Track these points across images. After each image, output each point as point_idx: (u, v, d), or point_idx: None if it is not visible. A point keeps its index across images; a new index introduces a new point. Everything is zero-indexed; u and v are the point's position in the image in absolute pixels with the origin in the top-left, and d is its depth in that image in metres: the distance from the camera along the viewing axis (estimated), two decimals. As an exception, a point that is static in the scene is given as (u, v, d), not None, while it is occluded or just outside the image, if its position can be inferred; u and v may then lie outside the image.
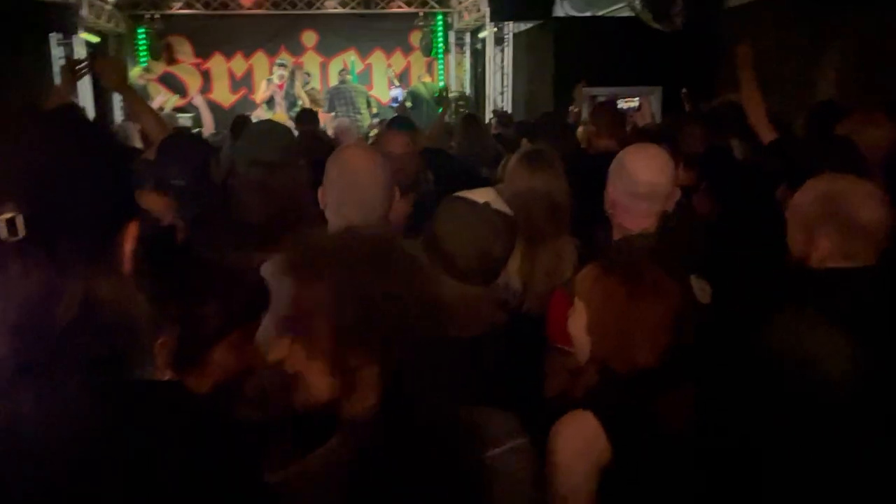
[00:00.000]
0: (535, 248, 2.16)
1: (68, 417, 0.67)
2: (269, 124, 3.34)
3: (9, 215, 0.66)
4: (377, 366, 1.03)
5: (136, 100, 3.10)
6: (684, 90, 5.18)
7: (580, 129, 4.86)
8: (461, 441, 1.07)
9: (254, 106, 10.50)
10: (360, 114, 10.22)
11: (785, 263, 1.88)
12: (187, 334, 1.28)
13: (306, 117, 6.14)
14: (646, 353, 1.44)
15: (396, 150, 2.58)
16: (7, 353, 0.66)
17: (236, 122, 5.93)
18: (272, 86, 10.29)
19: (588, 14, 9.52)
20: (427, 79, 11.48)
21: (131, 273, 0.76)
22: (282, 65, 10.46)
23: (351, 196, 1.81)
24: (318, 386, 1.05)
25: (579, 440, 1.36)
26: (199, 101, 9.44)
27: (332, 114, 9.89)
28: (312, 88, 10.92)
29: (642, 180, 1.87)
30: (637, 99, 4.18)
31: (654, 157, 1.92)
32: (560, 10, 9.19)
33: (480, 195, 1.63)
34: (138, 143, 4.56)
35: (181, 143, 2.95)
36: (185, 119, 10.31)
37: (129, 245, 0.76)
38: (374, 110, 10.56)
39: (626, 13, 7.69)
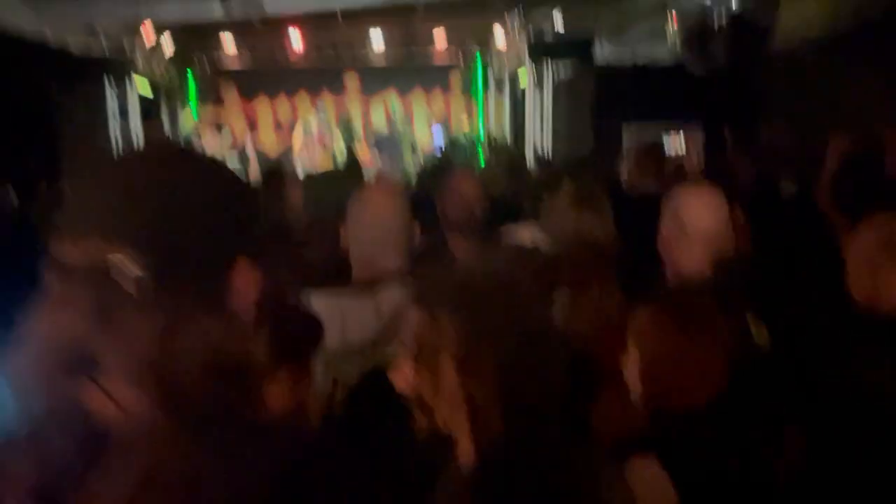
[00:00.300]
0: (580, 287, 2.17)
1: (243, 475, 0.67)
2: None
3: (134, 261, 0.65)
4: (499, 399, 1.05)
5: None
6: (727, 129, 5.17)
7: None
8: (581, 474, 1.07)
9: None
10: (404, 158, 10.49)
11: (847, 305, 1.85)
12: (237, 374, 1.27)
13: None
14: (701, 393, 1.43)
15: (465, 189, 2.65)
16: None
17: (268, 175, 5.92)
18: (309, 137, 10.56)
19: (627, 55, 9.60)
20: (465, 121, 11.66)
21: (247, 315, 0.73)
22: (321, 111, 10.77)
23: (370, 234, 1.84)
24: (442, 417, 1.06)
25: (645, 486, 1.35)
26: (249, 148, 9.74)
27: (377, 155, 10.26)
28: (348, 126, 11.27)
29: (696, 222, 1.88)
30: (683, 143, 4.17)
31: (707, 199, 1.93)
32: (599, 50, 9.29)
33: (524, 230, 1.67)
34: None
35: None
36: (232, 163, 10.62)
37: (243, 285, 0.72)
38: (419, 155, 10.77)
39: (667, 56, 7.75)
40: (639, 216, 2.39)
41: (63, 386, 0.65)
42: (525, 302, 1.10)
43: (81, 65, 8.47)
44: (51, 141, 7.93)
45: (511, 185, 4.41)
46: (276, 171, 5.93)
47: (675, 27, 6.51)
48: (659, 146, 3.87)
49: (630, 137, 7.58)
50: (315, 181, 3.14)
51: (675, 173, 3.79)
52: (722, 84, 6.59)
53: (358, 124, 11.87)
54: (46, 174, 6.08)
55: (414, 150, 10.81)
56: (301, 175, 7.26)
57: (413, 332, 1.09)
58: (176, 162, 0.74)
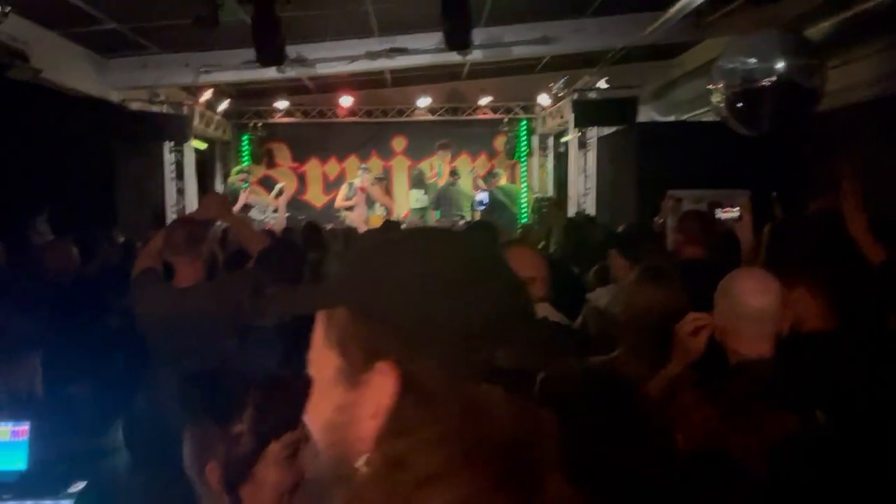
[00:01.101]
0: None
1: None
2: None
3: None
4: None
5: (236, 222, 3.48)
6: (774, 194, 5.11)
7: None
8: None
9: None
10: (463, 215, 10.64)
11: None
12: (228, 455, 1.24)
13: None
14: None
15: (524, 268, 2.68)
16: None
17: (306, 229, 6.07)
18: (355, 189, 10.79)
19: (672, 119, 9.65)
20: (503, 181, 11.80)
21: None
22: (365, 169, 11.01)
23: None
24: None
25: None
26: (280, 200, 9.99)
27: (437, 212, 10.45)
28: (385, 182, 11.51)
29: (751, 303, 1.88)
30: (737, 209, 4.10)
31: (760, 280, 1.93)
32: (644, 115, 9.37)
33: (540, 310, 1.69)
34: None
35: (278, 251, 3.17)
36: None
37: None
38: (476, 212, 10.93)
39: (711, 117, 7.78)
40: (686, 283, 2.38)
41: None
42: None
43: (142, 125, 8.86)
44: (111, 197, 8.28)
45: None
46: (313, 226, 6.09)
47: (720, 89, 6.53)
48: (707, 213, 3.83)
49: (673, 199, 7.56)
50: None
51: (723, 240, 3.74)
52: (768, 147, 6.57)
53: (403, 185, 12.13)
54: (105, 229, 6.34)
55: (472, 206, 10.98)
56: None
57: None
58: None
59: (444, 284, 0.67)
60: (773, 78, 5.74)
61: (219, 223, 3.70)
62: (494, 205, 10.92)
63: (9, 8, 5.62)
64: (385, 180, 11.67)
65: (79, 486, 2.14)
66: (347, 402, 0.67)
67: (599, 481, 1.02)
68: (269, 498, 1.24)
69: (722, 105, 6.28)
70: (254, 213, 10.30)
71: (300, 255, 3.36)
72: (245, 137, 12.15)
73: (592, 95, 9.27)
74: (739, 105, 6.08)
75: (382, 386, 0.65)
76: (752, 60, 5.68)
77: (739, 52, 5.80)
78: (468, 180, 12.23)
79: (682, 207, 6.88)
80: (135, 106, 8.82)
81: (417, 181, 11.76)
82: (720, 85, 6.20)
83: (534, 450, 0.65)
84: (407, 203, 11.85)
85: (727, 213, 4.79)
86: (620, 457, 1.12)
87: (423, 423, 0.64)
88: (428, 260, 0.69)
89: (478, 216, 10.40)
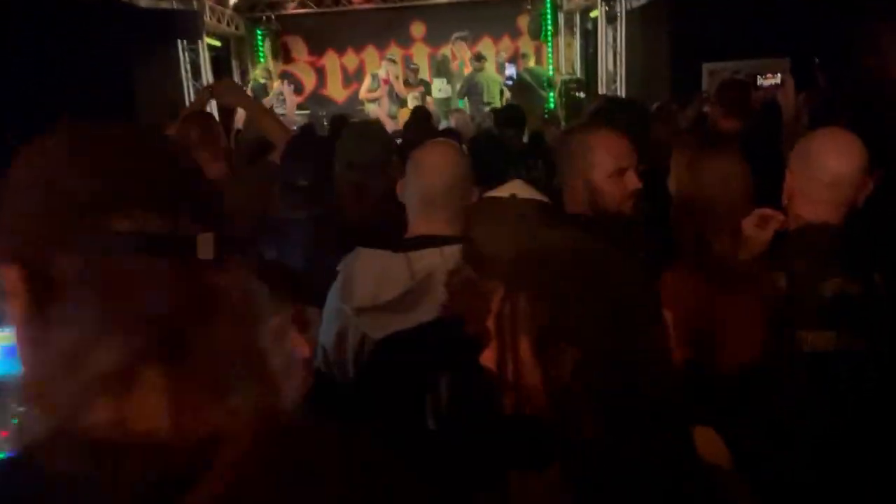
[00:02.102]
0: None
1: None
2: (364, 126, 3.37)
3: (207, 235, 0.67)
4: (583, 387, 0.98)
5: (257, 108, 3.22)
6: (816, 60, 4.81)
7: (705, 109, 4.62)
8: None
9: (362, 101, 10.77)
10: (491, 103, 10.16)
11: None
12: None
13: (419, 116, 6.12)
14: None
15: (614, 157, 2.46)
16: None
17: (334, 122, 5.98)
18: (379, 81, 10.42)
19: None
20: (532, 63, 11.29)
21: None
22: (391, 60, 10.59)
23: (425, 191, 1.81)
24: (525, 398, 1.00)
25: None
26: (284, 88, 9.84)
27: (460, 101, 10.02)
28: (422, 80, 10.99)
29: (830, 167, 1.74)
30: (779, 75, 3.85)
31: (845, 143, 1.78)
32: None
33: (507, 189, 1.58)
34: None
35: (305, 144, 3.03)
36: (302, 116, 10.70)
37: None
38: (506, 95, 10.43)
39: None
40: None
41: None
42: (613, 280, 1.00)
43: (153, 22, 8.61)
44: (129, 100, 8.16)
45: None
46: (342, 118, 5.96)
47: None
48: (745, 82, 3.60)
49: (711, 74, 7.21)
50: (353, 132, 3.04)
51: (763, 109, 3.54)
52: (808, 12, 6.16)
53: (424, 73, 11.70)
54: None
55: (503, 92, 10.48)
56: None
57: (492, 307, 1.01)
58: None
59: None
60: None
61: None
62: (521, 87, 10.46)
63: None
64: (417, 69, 11.07)
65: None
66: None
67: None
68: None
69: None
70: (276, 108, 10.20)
71: (331, 148, 3.22)
72: (259, 32, 11.77)
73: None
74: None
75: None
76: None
77: None
78: (494, 65, 11.79)
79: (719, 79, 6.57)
80: (144, 4, 8.54)
81: (440, 69, 11.31)
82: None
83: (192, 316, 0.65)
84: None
85: (769, 80, 4.53)
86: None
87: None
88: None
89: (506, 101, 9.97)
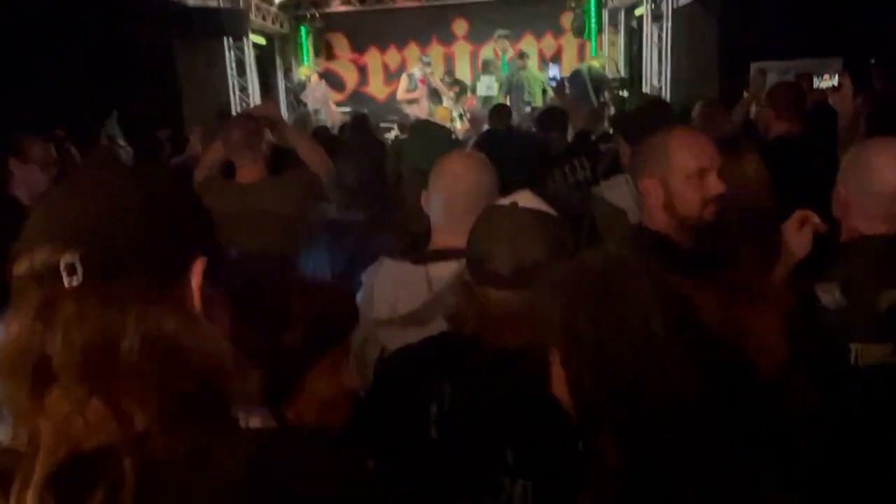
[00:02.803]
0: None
1: (206, 466, 0.68)
2: (429, 127, 3.36)
3: (69, 259, 0.68)
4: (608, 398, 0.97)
5: (291, 131, 3.26)
6: (873, 61, 4.66)
7: (753, 110, 4.51)
8: None
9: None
10: (535, 102, 10.06)
11: None
12: (274, 366, 1.16)
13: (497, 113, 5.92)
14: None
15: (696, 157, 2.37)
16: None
17: (356, 121, 5.89)
18: (416, 81, 10.42)
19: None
20: (594, 62, 11.10)
21: (203, 309, 0.76)
22: (426, 63, 10.60)
23: (446, 202, 1.79)
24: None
25: None
26: (320, 94, 9.96)
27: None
28: (457, 81, 10.97)
29: (890, 181, 1.67)
30: (835, 78, 3.72)
31: None
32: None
33: (516, 198, 1.55)
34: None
35: (355, 144, 3.05)
36: (343, 113, 10.79)
37: (195, 280, 0.76)
38: (549, 92, 10.30)
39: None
40: (776, 162, 2.17)
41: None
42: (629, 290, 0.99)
43: (200, 20, 8.75)
44: (176, 96, 8.31)
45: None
46: (362, 117, 5.95)
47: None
48: (800, 85, 3.47)
49: (760, 74, 7.05)
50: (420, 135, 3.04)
51: (817, 113, 3.43)
52: (862, 10, 5.97)
53: (465, 71, 11.67)
54: (170, 126, 6.38)
55: (545, 91, 10.36)
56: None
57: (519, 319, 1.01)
58: (122, 176, 0.80)
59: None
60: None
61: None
62: (574, 82, 10.19)
63: None
64: (457, 84, 11.01)
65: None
66: None
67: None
68: (314, 411, 1.19)
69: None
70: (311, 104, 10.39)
71: (381, 151, 3.22)
72: (303, 29, 11.88)
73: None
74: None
75: None
76: None
77: None
78: (534, 63, 11.70)
79: (768, 80, 6.42)
80: (191, 2, 8.69)
81: (486, 66, 11.20)
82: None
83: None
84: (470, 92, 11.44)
85: (825, 81, 4.38)
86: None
87: None
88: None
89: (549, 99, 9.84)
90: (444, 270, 1.68)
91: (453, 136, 3.14)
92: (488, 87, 10.75)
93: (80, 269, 0.69)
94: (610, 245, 1.92)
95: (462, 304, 1.40)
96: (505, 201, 1.50)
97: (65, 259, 0.69)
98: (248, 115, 3.20)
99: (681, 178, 1.72)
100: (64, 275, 0.68)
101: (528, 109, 9.41)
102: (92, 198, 0.74)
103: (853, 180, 1.73)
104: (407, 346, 1.50)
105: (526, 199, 1.52)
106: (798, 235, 1.75)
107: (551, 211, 1.53)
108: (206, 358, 0.73)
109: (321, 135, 4.94)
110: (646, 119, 3.04)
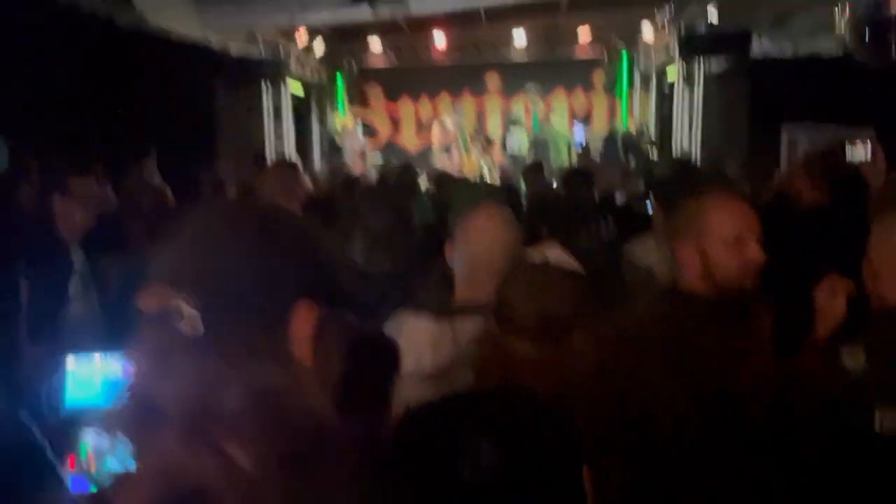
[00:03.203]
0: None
1: None
2: (464, 182, 3.42)
3: (182, 305, 0.70)
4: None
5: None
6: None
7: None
8: None
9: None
10: (561, 160, 10.19)
11: None
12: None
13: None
14: None
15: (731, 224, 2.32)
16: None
17: (403, 173, 5.85)
18: (447, 132, 10.60)
19: (789, 50, 8.94)
20: (628, 124, 11.24)
21: (314, 360, 0.75)
22: (458, 113, 10.80)
23: (470, 256, 1.82)
24: None
25: None
26: (356, 144, 10.13)
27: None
28: (486, 138, 11.15)
29: None
30: (869, 148, 3.69)
31: None
32: (757, 46, 8.70)
33: (544, 252, 1.58)
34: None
35: (384, 190, 3.11)
36: (375, 160, 10.97)
37: (304, 330, 0.75)
38: (574, 154, 10.45)
39: (832, 49, 7.15)
40: (808, 231, 2.16)
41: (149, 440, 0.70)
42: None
43: (241, 67, 9.01)
44: (213, 139, 8.52)
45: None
46: (409, 168, 5.99)
47: (845, 16, 5.95)
48: (836, 152, 3.44)
49: (791, 140, 7.05)
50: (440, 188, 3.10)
51: (848, 183, 3.40)
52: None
53: (496, 123, 11.82)
54: (205, 170, 6.51)
55: (570, 148, 10.50)
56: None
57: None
58: (234, 214, 0.82)
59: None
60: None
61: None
62: (607, 144, 10.30)
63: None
64: (486, 139, 11.18)
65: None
66: None
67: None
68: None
69: (847, 34, 5.73)
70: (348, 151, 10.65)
71: (410, 196, 3.26)
72: (340, 79, 12.17)
73: (701, 27, 8.68)
74: (868, 35, 5.53)
75: None
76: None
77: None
78: (564, 117, 11.84)
79: (798, 148, 6.42)
80: (233, 48, 8.97)
81: (515, 122, 11.32)
82: (846, 14, 5.64)
83: None
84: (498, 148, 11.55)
85: (858, 152, 4.35)
86: None
87: None
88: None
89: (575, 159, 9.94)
90: (470, 325, 1.69)
91: (484, 191, 3.18)
92: (517, 142, 10.90)
93: (194, 315, 0.70)
94: (641, 305, 1.92)
95: (487, 355, 1.42)
96: (535, 255, 1.52)
97: (180, 304, 0.70)
98: (289, 163, 3.29)
99: (718, 244, 1.67)
100: (178, 319, 0.70)
101: (553, 167, 9.51)
102: (206, 243, 0.76)
103: (884, 251, 1.72)
104: (432, 400, 1.50)
105: (555, 252, 1.54)
106: (831, 301, 1.75)
107: (578, 267, 1.55)
108: (307, 415, 0.72)
109: (350, 185, 5.01)
110: (679, 183, 3.05)
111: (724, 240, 1.67)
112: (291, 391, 0.72)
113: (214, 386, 0.69)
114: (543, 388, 1.27)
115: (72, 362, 2.10)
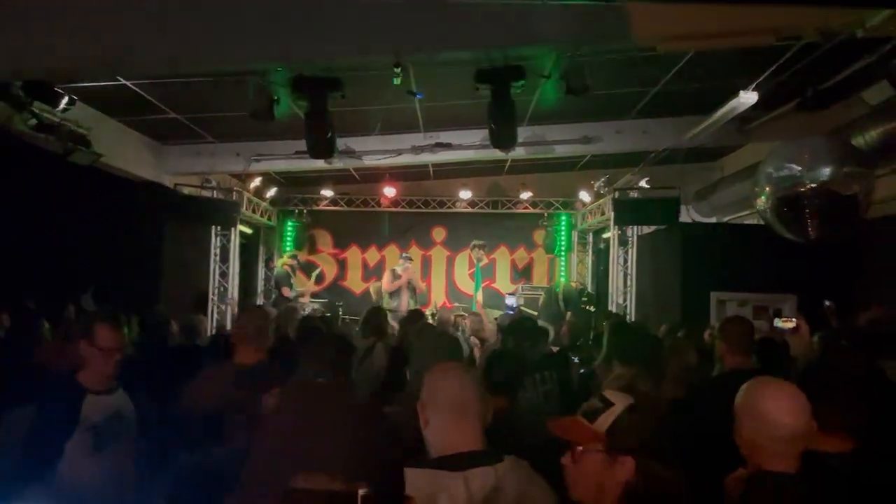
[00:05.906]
0: None
1: None
2: (440, 339, 3.52)
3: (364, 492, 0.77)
4: None
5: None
6: (828, 304, 4.98)
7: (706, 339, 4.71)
8: None
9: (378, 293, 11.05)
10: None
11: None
12: None
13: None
14: None
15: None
16: None
17: (410, 318, 5.75)
18: (397, 277, 10.77)
19: (713, 220, 9.61)
20: (573, 283, 11.72)
21: None
22: (408, 258, 11.04)
23: (454, 406, 1.86)
24: None
25: None
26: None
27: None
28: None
29: (785, 423, 1.78)
30: (794, 321, 3.94)
31: (792, 399, 1.82)
32: (684, 215, 9.32)
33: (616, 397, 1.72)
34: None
35: (322, 340, 3.17)
36: (318, 305, 10.97)
37: None
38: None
39: (754, 219, 7.71)
40: (724, 395, 2.28)
41: None
42: None
43: (194, 209, 9.13)
44: (156, 277, 8.47)
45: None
46: (418, 314, 5.94)
47: (765, 194, 6.47)
48: (748, 321, 3.65)
49: (719, 304, 7.42)
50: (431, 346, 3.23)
51: (768, 347, 3.61)
52: (816, 252, 6.45)
53: (441, 274, 12.11)
54: (149, 308, 6.44)
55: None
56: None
57: None
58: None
59: None
60: (820, 184, 5.66)
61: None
62: (547, 299, 10.72)
63: (75, 99, 5.94)
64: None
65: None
66: None
67: None
68: None
69: (766, 210, 6.20)
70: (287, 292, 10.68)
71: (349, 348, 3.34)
72: (289, 223, 12.41)
73: (634, 194, 9.32)
74: (785, 211, 5.99)
75: None
76: (798, 166, 5.62)
77: (785, 157, 5.76)
78: (506, 273, 12.28)
79: (726, 310, 6.75)
80: (186, 191, 9.12)
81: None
82: (765, 189, 6.14)
83: None
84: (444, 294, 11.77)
85: (786, 324, 4.61)
86: None
87: None
88: None
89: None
90: (481, 477, 1.74)
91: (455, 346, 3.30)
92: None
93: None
94: None
95: None
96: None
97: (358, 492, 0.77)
98: (261, 309, 3.42)
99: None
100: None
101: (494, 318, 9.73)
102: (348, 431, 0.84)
103: (750, 424, 1.85)
104: None
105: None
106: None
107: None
108: None
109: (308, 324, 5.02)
110: (637, 343, 3.26)
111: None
112: None
113: None
114: None
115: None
